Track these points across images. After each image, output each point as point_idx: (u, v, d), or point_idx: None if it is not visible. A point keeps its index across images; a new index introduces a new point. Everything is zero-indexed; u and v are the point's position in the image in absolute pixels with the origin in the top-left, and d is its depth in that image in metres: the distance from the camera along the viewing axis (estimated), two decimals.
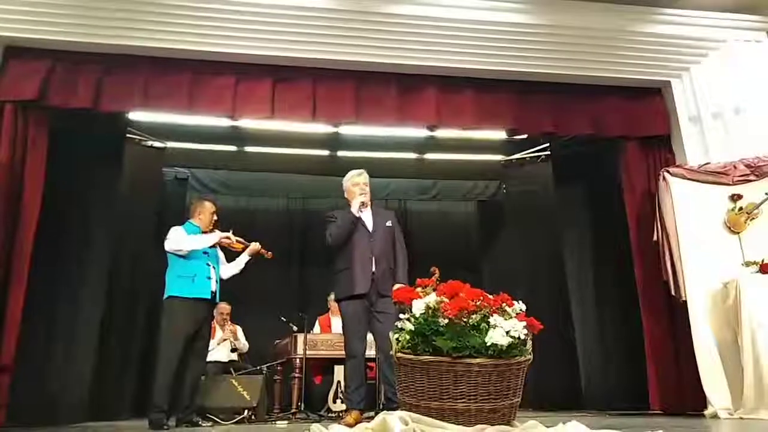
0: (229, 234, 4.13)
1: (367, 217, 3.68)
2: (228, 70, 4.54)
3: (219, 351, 5.45)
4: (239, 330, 5.75)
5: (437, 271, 2.65)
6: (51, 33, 4.20)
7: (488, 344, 2.16)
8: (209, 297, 3.93)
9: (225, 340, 5.51)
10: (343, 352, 4.74)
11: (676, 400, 4.40)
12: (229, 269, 4.18)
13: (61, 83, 4.28)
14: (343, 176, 3.91)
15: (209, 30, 4.35)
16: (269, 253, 4.31)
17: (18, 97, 4.19)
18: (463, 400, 2.15)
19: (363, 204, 3.64)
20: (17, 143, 4.16)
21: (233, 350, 5.54)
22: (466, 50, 4.68)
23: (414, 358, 2.21)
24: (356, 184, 3.73)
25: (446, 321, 2.22)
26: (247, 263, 4.22)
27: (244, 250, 4.20)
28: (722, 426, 3.34)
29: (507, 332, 2.19)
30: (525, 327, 2.25)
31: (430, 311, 2.26)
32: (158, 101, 4.48)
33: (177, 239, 3.91)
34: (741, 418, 3.68)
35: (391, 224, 3.74)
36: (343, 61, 4.62)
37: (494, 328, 2.20)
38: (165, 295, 3.89)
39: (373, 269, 3.52)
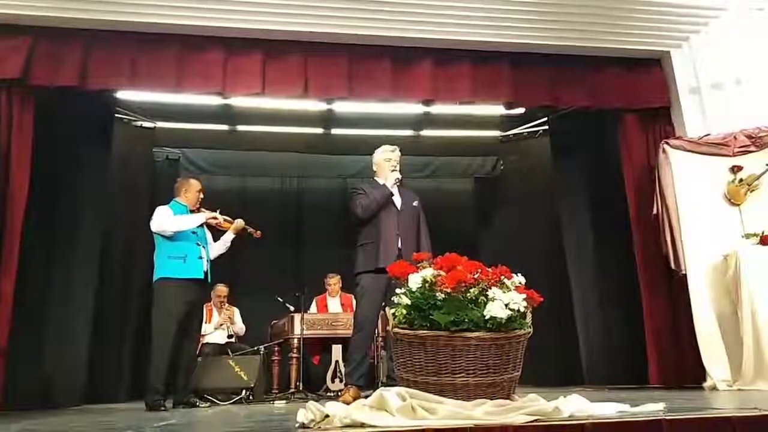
0: (216, 213, 4.06)
1: (396, 195, 3.66)
2: (216, 44, 4.41)
3: (216, 333, 5.41)
4: (236, 313, 5.69)
5: None
6: (32, 9, 4.06)
7: (487, 317, 2.10)
8: (202, 277, 3.86)
9: (221, 325, 5.45)
10: (341, 332, 4.80)
11: (676, 373, 4.38)
12: (216, 248, 4.12)
13: (45, 61, 4.16)
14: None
15: (196, 3, 4.21)
16: (258, 232, 4.25)
17: (0, 75, 4.07)
18: (462, 375, 2.10)
19: (397, 180, 3.62)
20: (2, 123, 4.05)
21: (230, 336, 5.49)
22: (462, 21, 4.55)
23: (411, 332, 2.15)
24: (388, 159, 3.71)
25: (444, 295, 2.16)
26: (233, 241, 4.16)
27: None
28: (721, 397, 3.31)
29: (506, 305, 2.13)
30: (524, 299, 2.20)
31: (427, 285, 2.19)
32: (146, 79, 4.36)
33: (162, 219, 3.82)
34: (740, 390, 3.67)
35: (417, 204, 3.72)
36: (335, 34, 4.49)
37: (493, 300, 2.14)
38: (155, 277, 3.81)
39: (399, 245, 3.48)
